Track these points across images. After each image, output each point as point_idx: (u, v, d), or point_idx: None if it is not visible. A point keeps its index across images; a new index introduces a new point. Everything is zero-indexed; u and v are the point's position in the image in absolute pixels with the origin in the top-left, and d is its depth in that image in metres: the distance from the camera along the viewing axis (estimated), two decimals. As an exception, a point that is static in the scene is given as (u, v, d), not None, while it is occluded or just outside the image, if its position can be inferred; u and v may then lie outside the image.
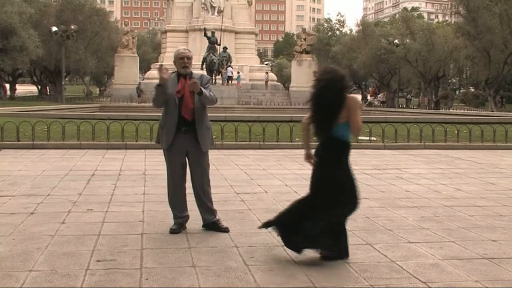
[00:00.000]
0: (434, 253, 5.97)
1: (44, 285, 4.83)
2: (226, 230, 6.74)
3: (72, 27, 50.21)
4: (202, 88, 6.47)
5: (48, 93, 61.43)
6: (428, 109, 53.94)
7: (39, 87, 64.94)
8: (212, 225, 6.83)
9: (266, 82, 57.05)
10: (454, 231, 6.91)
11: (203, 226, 6.89)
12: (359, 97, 48.47)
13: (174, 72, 6.77)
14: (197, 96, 6.54)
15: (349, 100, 5.64)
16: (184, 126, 6.60)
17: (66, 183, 9.95)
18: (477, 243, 6.41)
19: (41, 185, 9.64)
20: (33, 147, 15.29)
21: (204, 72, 49.14)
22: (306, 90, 51.79)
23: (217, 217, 6.93)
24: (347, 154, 5.79)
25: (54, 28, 49.68)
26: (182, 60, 6.61)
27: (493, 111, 44.23)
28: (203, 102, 6.61)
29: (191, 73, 6.67)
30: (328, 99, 5.63)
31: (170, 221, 7.17)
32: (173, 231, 6.70)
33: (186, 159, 6.79)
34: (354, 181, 5.79)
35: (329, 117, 5.63)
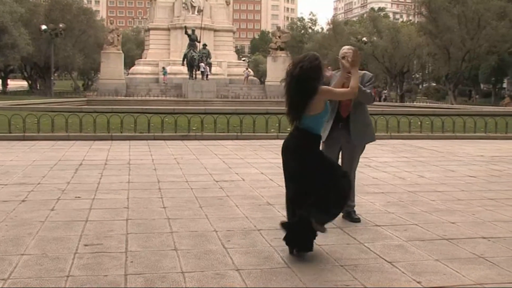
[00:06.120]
0: (399, 235, 6.02)
1: (35, 267, 4.78)
2: (357, 220, 6.59)
3: (61, 25, 49.79)
4: (360, 86, 6.10)
5: (38, 87, 60.84)
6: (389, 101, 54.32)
7: (30, 82, 64.34)
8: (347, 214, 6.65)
9: (247, 77, 56.91)
10: (417, 215, 6.97)
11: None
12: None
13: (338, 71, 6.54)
14: None
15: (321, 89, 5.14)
16: (341, 121, 6.57)
17: (55, 172, 9.85)
18: (437, 225, 6.47)
19: (32, 174, 9.52)
20: (24, 138, 15.09)
21: (185, 69, 49.00)
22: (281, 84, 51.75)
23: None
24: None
25: (44, 27, 49.26)
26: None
27: (452, 104, 44.64)
28: (360, 99, 6.38)
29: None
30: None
31: (153, 207, 7.14)
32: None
33: (340, 152, 6.75)
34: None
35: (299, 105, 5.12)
